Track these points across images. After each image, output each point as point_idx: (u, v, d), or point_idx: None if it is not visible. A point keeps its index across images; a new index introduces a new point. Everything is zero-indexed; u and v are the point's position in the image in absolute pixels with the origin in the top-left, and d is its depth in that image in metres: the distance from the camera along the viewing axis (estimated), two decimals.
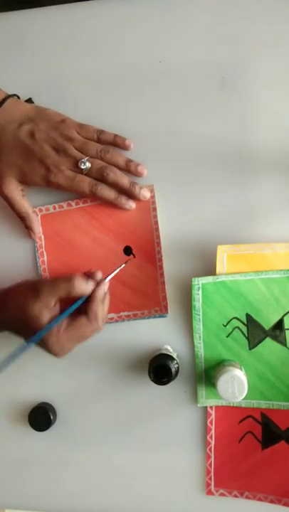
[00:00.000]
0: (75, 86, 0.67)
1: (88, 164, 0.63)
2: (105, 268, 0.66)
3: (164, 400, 0.68)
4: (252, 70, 0.63)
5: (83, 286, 0.59)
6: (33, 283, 0.61)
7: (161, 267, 0.66)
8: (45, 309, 0.58)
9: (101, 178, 0.63)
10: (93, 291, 0.60)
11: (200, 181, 0.65)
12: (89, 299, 0.60)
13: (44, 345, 0.59)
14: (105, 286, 0.61)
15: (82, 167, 0.63)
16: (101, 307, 0.60)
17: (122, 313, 0.67)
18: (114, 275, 0.65)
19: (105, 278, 0.62)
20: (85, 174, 0.63)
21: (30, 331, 0.59)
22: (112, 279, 0.64)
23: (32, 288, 0.60)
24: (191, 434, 0.67)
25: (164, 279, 0.66)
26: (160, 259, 0.66)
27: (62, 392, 0.70)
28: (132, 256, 0.66)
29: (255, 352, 0.64)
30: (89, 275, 0.62)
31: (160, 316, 0.66)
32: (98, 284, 0.61)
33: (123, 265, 0.65)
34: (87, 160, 0.63)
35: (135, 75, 0.65)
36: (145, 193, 0.64)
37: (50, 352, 0.60)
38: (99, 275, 0.62)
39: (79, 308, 0.60)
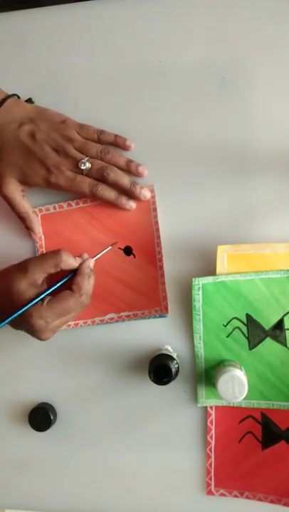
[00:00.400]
0: (75, 86, 0.67)
1: (88, 164, 0.63)
2: (105, 268, 0.67)
3: (164, 400, 0.68)
4: (252, 70, 0.63)
5: (71, 260, 0.59)
6: (23, 261, 0.60)
7: (161, 267, 0.66)
8: (32, 286, 0.58)
9: (101, 178, 0.63)
10: (78, 267, 0.60)
11: (200, 181, 0.65)
12: (75, 274, 0.60)
13: (27, 321, 0.58)
14: (91, 263, 0.61)
15: (83, 167, 0.63)
16: (86, 281, 0.60)
17: (122, 313, 0.67)
18: (115, 275, 0.65)
19: (93, 257, 0.63)
20: (86, 174, 0.63)
21: (13, 307, 0.58)
22: (112, 279, 0.64)
23: (21, 266, 0.59)
24: (191, 434, 0.67)
25: (164, 279, 0.66)
26: (160, 260, 0.66)
27: (62, 392, 0.70)
28: (132, 256, 0.66)
29: (255, 352, 0.64)
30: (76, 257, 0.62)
31: (160, 316, 0.66)
32: (84, 260, 0.61)
33: (110, 247, 0.65)
34: (87, 160, 0.63)
35: (135, 75, 0.65)
36: (146, 193, 0.64)
37: (33, 328, 0.58)
38: (85, 255, 0.62)
39: (64, 286, 0.60)
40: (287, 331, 0.63)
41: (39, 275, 0.58)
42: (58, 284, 0.60)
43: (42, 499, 0.71)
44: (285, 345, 0.63)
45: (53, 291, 0.59)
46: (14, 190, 0.64)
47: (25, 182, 0.64)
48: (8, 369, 0.71)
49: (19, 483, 0.72)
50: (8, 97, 0.64)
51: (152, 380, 0.62)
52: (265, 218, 0.64)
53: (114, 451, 0.69)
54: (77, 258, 0.61)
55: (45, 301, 0.58)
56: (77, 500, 0.71)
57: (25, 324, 0.59)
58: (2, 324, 0.57)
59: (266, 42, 0.63)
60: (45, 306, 0.58)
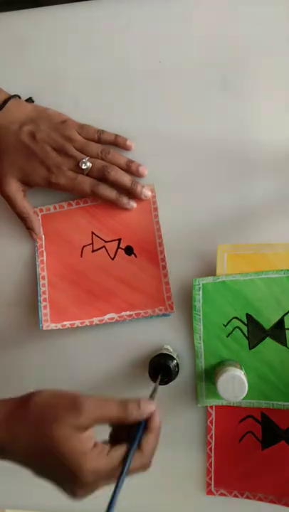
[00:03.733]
0: (75, 86, 0.67)
1: (89, 164, 0.63)
2: (106, 268, 0.67)
3: (164, 399, 0.68)
4: (252, 70, 0.63)
5: (140, 412, 0.47)
6: (69, 396, 0.46)
7: (164, 267, 0.66)
8: (91, 433, 0.45)
9: (102, 177, 0.63)
10: (150, 420, 0.48)
11: (200, 181, 0.65)
12: (147, 429, 0.48)
13: (70, 493, 0.48)
14: (154, 406, 0.49)
15: (83, 167, 0.63)
16: (156, 441, 0.48)
17: (123, 313, 0.67)
18: (116, 275, 0.65)
19: (152, 400, 0.51)
20: (86, 174, 0.63)
21: (67, 470, 0.45)
22: (113, 278, 0.64)
23: (69, 402, 0.46)
24: (191, 434, 0.67)
25: (167, 279, 0.66)
26: (163, 259, 0.65)
27: None
28: (132, 256, 0.66)
29: (256, 352, 0.64)
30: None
31: (164, 315, 0.66)
32: (152, 412, 0.48)
33: (158, 385, 0.57)
34: (88, 160, 0.63)
35: (135, 75, 0.65)
36: (146, 192, 0.65)
37: (76, 486, 0.47)
38: (146, 402, 0.49)
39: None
40: (287, 331, 0.63)
41: (96, 421, 0.46)
42: (137, 440, 0.47)
43: (42, 499, 0.71)
44: (285, 345, 0.63)
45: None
46: (15, 190, 0.64)
47: (26, 182, 0.64)
48: (8, 369, 0.71)
49: (19, 483, 0.72)
50: (10, 98, 0.64)
51: (152, 380, 0.62)
52: (265, 218, 0.64)
53: None
54: (145, 406, 0.48)
55: (104, 452, 0.46)
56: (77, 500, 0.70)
57: (65, 473, 0.46)
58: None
59: (266, 42, 0.63)
60: (104, 459, 0.45)
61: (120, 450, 0.46)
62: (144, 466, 0.48)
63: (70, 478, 0.46)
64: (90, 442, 0.45)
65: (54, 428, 0.44)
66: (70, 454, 0.44)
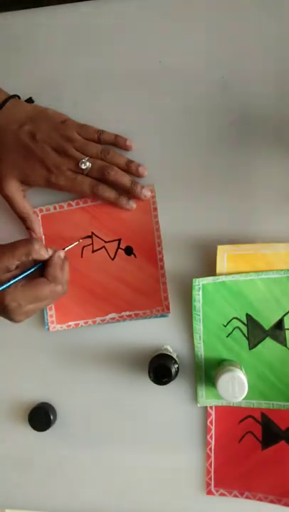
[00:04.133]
0: (75, 86, 0.67)
1: (89, 164, 0.63)
2: (106, 268, 0.67)
3: (164, 400, 0.68)
4: (252, 70, 0.63)
5: (42, 250, 0.59)
6: None
7: (162, 267, 0.66)
8: (4, 272, 0.58)
9: (102, 177, 0.63)
10: (50, 257, 0.60)
11: (200, 181, 0.65)
12: (47, 264, 0.60)
13: (1, 301, 0.58)
14: (61, 253, 0.61)
15: (83, 167, 0.63)
16: (58, 271, 0.60)
17: (123, 313, 0.67)
18: (116, 275, 0.65)
19: (63, 249, 0.63)
20: (86, 174, 0.63)
21: None
22: (113, 278, 0.64)
23: None
24: (191, 434, 0.67)
25: (165, 279, 0.66)
26: (161, 259, 0.66)
27: (63, 392, 0.70)
28: (132, 256, 0.66)
29: (255, 352, 0.64)
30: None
31: (162, 316, 0.66)
32: (55, 251, 0.61)
33: (77, 242, 0.66)
34: (88, 160, 0.63)
35: (135, 75, 0.65)
36: (146, 192, 0.64)
37: (7, 311, 0.59)
38: (55, 248, 0.62)
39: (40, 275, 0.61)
40: (287, 331, 0.63)
41: (11, 262, 0.58)
42: (31, 270, 0.60)
43: (42, 499, 0.71)
44: (285, 345, 0.63)
45: (28, 276, 0.60)
46: (15, 190, 0.64)
47: (26, 182, 0.64)
48: (8, 369, 0.71)
49: (19, 483, 0.72)
50: (9, 98, 0.64)
51: (152, 380, 0.62)
52: (265, 218, 0.64)
53: (114, 451, 0.69)
54: (48, 249, 0.61)
55: (19, 285, 0.59)
56: (77, 500, 0.71)
57: None
58: None
59: (266, 42, 0.63)
60: (19, 289, 0.58)
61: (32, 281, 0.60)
62: (55, 292, 0.60)
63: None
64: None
65: None
66: None
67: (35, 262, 0.60)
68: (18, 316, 0.59)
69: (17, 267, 0.59)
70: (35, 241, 0.59)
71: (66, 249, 0.64)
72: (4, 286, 0.58)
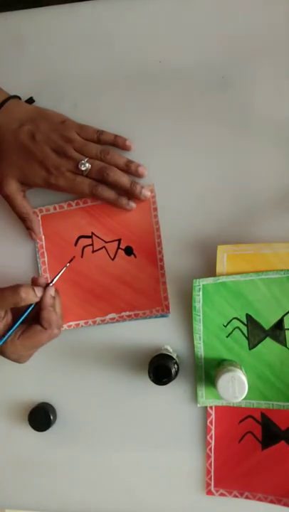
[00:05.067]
0: (75, 86, 0.67)
1: (88, 165, 0.63)
2: (106, 268, 0.67)
3: (164, 400, 0.68)
4: (252, 70, 0.63)
5: (30, 296, 0.60)
6: None
7: (162, 267, 0.66)
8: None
9: (101, 178, 0.63)
10: (42, 299, 0.61)
11: (200, 181, 0.65)
12: (39, 305, 0.61)
13: (2, 353, 0.61)
14: (51, 291, 0.62)
15: (83, 168, 0.63)
16: (53, 313, 0.61)
17: (123, 313, 0.67)
18: (116, 275, 0.65)
19: (50, 282, 0.63)
20: (86, 175, 0.63)
21: None
22: (113, 279, 0.64)
23: None
24: (191, 434, 0.67)
25: (165, 279, 0.66)
26: (161, 259, 0.66)
27: (62, 392, 0.70)
28: (132, 256, 0.66)
29: (255, 352, 0.64)
30: (34, 281, 0.63)
31: (162, 316, 0.66)
32: (45, 289, 0.62)
33: (64, 268, 0.65)
34: (87, 161, 0.63)
35: (135, 75, 0.65)
36: (146, 193, 0.64)
37: (10, 359, 0.61)
38: (42, 280, 0.63)
39: (32, 314, 0.62)
40: (287, 331, 0.63)
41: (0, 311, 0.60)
42: (24, 316, 0.61)
43: (42, 499, 0.71)
44: (285, 345, 0.63)
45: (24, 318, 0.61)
46: (15, 190, 0.64)
47: (26, 182, 0.64)
48: (8, 369, 0.71)
49: (19, 483, 0.72)
50: (9, 98, 0.64)
51: (152, 380, 0.62)
52: (265, 218, 0.64)
53: (114, 451, 0.69)
54: (36, 289, 0.61)
55: (17, 336, 0.60)
56: (77, 500, 0.71)
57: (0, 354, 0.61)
58: None
59: (266, 42, 0.63)
60: (17, 342, 0.60)
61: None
62: (49, 337, 0.61)
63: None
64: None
65: None
66: None
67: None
68: (21, 361, 0.62)
69: (6, 313, 0.61)
70: (22, 289, 0.59)
71: (54, 280, 0.63)
72: (3, 341, 0.59)
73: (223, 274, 0.63)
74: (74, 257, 0.67)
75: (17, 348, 0.60)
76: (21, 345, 0.60)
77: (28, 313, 0.61)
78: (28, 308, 0.61)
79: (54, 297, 0.62)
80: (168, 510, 0.69)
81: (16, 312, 0.61)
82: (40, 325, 0.61)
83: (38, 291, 0.61)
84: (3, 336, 0.59)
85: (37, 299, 0.61)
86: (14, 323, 0.61)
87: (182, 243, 0.65)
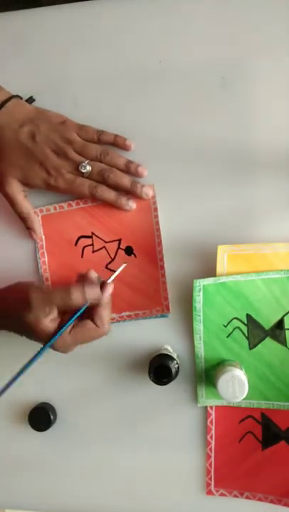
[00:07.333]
0: (75, 86, 0.67)
1: (89, 168, 0.63)
2: (106, 268, 0.67)
3: (164, 400, 0.68)
4: (252, 70, 0.63)
5: (94, 295, 0.59)
6: (25, 294, 0.59)
7: (162, 267, 0.66)
8: (42, 316, 0.58)
9: (102, 180, 0.63)
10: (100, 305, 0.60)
11: (200, 181, 0.65)
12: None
13: (51, 346, 0.60)
14: (110, 288, 0.61)
15: (83, 170, 0.63)
16: (108, 311, 0.61)
17: (123, 314, 0.67)
18: (116, 276, 0.65)
19: (108, 279, 0.62)
20: (86, 177, 0.63)
21: (35, 335, 0.59)
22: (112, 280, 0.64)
23: (23, 299, 0.59)
24: (191, 434, 0.67)
25: (165, 279, 0.66)
26: (161, 259, 0.66)
27: (63, 392, 0.70)
28: (132, 256, 0.66)
29: (255, 352, 0.64)
30: (83, 277, 0.61)
31: (162, 316, 0.66)
32: (103, 287, 0.61)
33: (124, 265, 0.65)
34: (88, 163, 0.63)
35: (135, 75, 0.65)
36: (147, 191, 0.64)
37: (57, 351, 0.60)
38: (93, 275, 0.61)
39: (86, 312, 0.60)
40: (287, 331, 0.63)
41: (46, 307, 0.58)
42: (77, 315, 0.59)
43: (42, 499, 0.71)
44: (285, 345, 0.63)
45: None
46: (16, 190, 0.64)
47: (26, 183, 0.64)
48: (8, 369, 0.71)
49: (19, 483, 0.72)
50: (11, 97, 0.64)
51: (152, 380, 0.62)
52: (265, 218, 0.64)
53: (114, 451, 0.69)
54: (92, 288, 0.59)
55: (67, 331, 0.59)
56: (77, 500, 0.71)
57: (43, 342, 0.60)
58: (37, 357, 0.60)
59: (266, 42, 0.63)
60: (67, 336, 0.59)
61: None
62: (100, 334, 0.60)
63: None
64: (50, 324, 0.58)
65: (24, 319, 0.58)
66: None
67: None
68: (66, 352, 0.61)
69: (59, 312, 0.59)
70: (73, 290, 0.58)
71: (112, 278, 0.62)
72: (54, 338, 0.58)
73: (224, 274, 0.63)
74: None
75: (66, 343, 0.59)
76: (71, 340, 0.59)
77: (82, 312, 0.60)
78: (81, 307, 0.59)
79: (110, 298, 0.61)
80: (168, 510, 0.69)
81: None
82: (93, 321, 0.60)
83: (96, 290, 0.60)
84: (55, 333, 0.59)
85: (100, 297, 0.60)
86: (65, 318, 0.59)
87: (182, 243, 0.65)
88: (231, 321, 0.64)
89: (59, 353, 0.61)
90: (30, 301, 0.58)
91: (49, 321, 0.58)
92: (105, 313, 0.60)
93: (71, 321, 0.59)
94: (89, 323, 0.60)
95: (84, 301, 0.58)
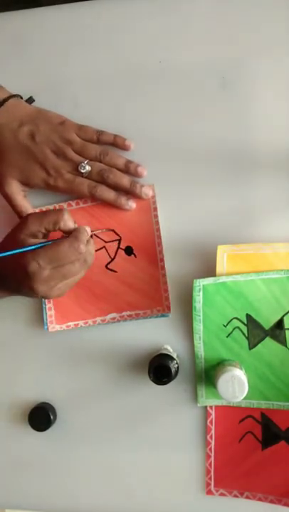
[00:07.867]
0: (75, 86, 0.67)
1: (88, 168, 0.63)
2: (106, 268, 0.67)
3: (164, 400, 0.68)
4: (252, 70, 0.63)
5: (70, 222, 0.57)
6: (25, 215, 0.59)
7: (163, 267, 0.66)
8: (30, 237, 0.57)
9: (101, 180, 0.63)
10: (76, 229, 0.58)
11: (200, 181, 0.65)
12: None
13: (31, 288, 0.57)
14: (87, 228, 0.58)
15: (83, 171, 0.63)
16: (84, 234, 0.57)
17: (124, 313, 0.67)
18: (116, 275, 0.65)
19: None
20: (86, 177, 0.63)
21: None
22: (113, 279, 0.64)
23: (23, 219, 0.58)
24: (191, 434, 0.67)
25: (166, 279, 0.66)
26: (162, 259, 0.66)
27: (62, 392, 0.70)
28: (132, 256, 0.66)
29: (255, 352, 0.64)
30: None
31: (162, 316, 0.66)
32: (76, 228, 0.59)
33: (105, 230, 0.65)
34: (87, 164, 0.63)
35: (135, 75, 0.65)
36: (147, 191, 0.64)
37: (28, 275, 0.56)
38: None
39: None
40: (287, 331, 0.63)
41: (38, 228, 0.57)
42: (56, 239, 0.57)
43: (42, 499, 0.71)
44: (285, 345, 0.63)
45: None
46: (16, 190, 0.64)
47: (26, 183, 0.65)
48: (8, 368, 0.71)
49: (19, 483, 0.72)
50: (11, 97, 0.64)
51: (152, 380, 0.62)
52: (265, 218, 0.64)
53: (114, 451, 0.69)
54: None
55: (43, 263, 0.56)
56: (77, 500, 0.71)
57: (30, 290, 0.57)
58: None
59: (266, 42, 0.63)
60: (40, 250, 0.56)
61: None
62: (76, 257, 0.57)
63: (20, 269, 0.57)
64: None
65: (13, 237, 0.58)
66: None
67: (62, 235, 0.58)
68: (40, 284, 0.56)
69: (44, 236, 0.58)
70: (66, 211, 0.57)
71: (92, 232, 0.60)
72: (26, 249, 0.56)
73: (223, 274, 0.63)
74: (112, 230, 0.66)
75: (38, 255, 0.55)
76: (43, 253, 0.56)
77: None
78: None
79: (88, 233, 0.59)
80: (168, 509, 0.69)
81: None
82: (68, 241, 0.57)
83: (76, 225, 0.58)
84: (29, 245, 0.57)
85: (73, 227, 0.58)
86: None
87: (182, 243, 0.65)
88: (231, 320, 0.64)
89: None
90: (27, 219, 0.57)
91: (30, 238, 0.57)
92: (79, 235, 0.57)
93: (48, 241, 0.57)
94: (64, 242, 0.57)
95: (70, 225, 0.57)
